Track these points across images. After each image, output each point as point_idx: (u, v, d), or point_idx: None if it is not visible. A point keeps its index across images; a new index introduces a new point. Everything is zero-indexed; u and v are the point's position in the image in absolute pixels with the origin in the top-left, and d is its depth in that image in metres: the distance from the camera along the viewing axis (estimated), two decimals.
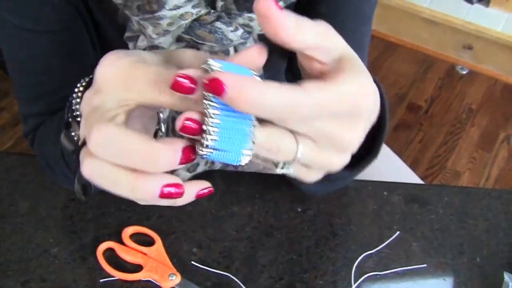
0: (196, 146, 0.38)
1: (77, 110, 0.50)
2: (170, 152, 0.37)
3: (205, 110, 0.36)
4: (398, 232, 0.76)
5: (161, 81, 0.38)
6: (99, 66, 0.40)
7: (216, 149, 0.37)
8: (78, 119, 0.50)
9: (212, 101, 0.36)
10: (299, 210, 0.79)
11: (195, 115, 0.37)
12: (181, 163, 0.37)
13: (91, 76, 0.52)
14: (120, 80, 0.39)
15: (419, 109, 2.36)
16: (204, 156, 0.37)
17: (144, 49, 0.69)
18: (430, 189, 0.83)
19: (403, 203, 0.80)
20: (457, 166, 2.11)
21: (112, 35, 0.72)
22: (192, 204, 0.77)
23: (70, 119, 0.51)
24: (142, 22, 0.63)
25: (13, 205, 0.78)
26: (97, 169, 0.38)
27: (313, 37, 0.38)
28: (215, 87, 0.34)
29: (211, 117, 0.36)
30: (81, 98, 0.51)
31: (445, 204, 0.80)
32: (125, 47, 0.70)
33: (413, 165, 2.10)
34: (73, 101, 0.51)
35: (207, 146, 0.37)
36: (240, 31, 0.67)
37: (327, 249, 0.74)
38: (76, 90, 0.51)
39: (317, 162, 0.41)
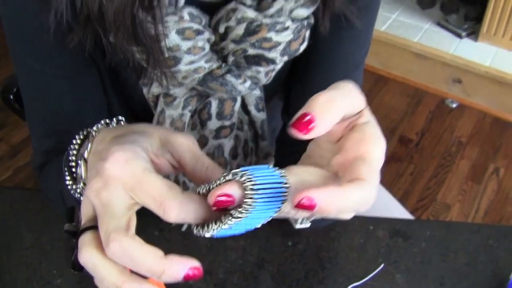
0: (223, 216, 0.41)
1: (72, 161, 0.56)
2: (176, 270, 0.41)
3: (244, 185, 0.39)
4: (382, 265, 0.81)
5: (166, 203, 0.42)
6: (109, 162, 0.44)
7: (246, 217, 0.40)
8: (73, 169, 0.56)
9: (250, 177, 0.39)
10: (290, 244, 0.83)
11: (233, 190, 0.40)
12: (185, 280, 0.42)
13: (87, 130, 0.57)
14: (129, 185, 0.43)
15: (410, 142, 2.40)
16: (231, 225, 0.40)
17: (158, 96, 0.74)
18: (413, 224, 0.88)
19: (388, 237, 0.85)
20: (447, 199, 2.15)
21: (126, 79, 0.76)
22: (187, 237, 0.81)
23: (66, 171, 0.57)
24: (157, 73, 0.68)
25: (18, 238, 0.82)
26: (94, 261, 0.44)
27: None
28: (307, 206, 0.40)
29: (251, 191, 0.39)
30: (78, 151, 0.56)
31: (427, 238, 0.85)
32: (139, 90, 0.75)
33: (404, 198, 2.14)
34: (70, 152, 0.56)
35: (238, 217, 0.39)
36: (248, 83, 0.73)
37: (316, 281, 0.78)
38: (74, 142, 0.56)
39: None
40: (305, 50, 0.74)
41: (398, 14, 2.85)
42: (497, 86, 2.53)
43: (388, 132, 2.44)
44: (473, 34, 2.71)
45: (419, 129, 2.47)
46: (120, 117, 0.58)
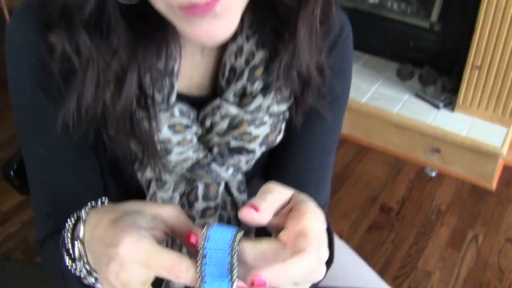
0: None
1: (68, 243, 0.64)
2: None
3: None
4: None
5: (177, 270, 0.52)
6: (122, 247, 0.53)
7: None
8: (70, 251, 0.64)
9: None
10: None
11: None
12: None
13: (77, 214, 0.65)
14: (144, 262, 0.52)
15: (390, 210, 2.47)
16: None
17: (150, 180, 0.82)
18: None
19: None
20: (428, 266, 2.20)
21: (123, 165, 0.83)
22: None
23: (64, 253, 0.64)
24: (150, 161, 0.76)
25: None
26: None
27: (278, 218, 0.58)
28: (259, 283, 0.50)
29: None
30: (72, 233, 0.64)
31: None
32: (134, 174, 0.83)
33: (386, 265, 2.18)
34: (65, 234, 0.64)
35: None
36: (231, 170, 0.81)
37: None
38: (67, 226, 0.65)
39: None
40: (281, 140, 0.82)
41: (378, 85, 2.96)
42: (474, 155, 2.61)
43: (369, 201, 2.51)
44: (450, 105, 2.80)
45: (400, 198, 2.54)
46: (103, 199, 0.66)
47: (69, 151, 0.80)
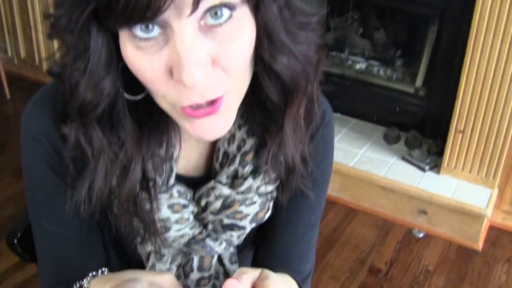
0: None
1: None
2: None
3: None
4: None
5: None
6: None
7: None
8: None
9: None
10: None
11: None
12: None
13: (80, 283, 0.72)
14: None
15: (379, 271, 2.50)
16: None
17: (150, 253, 0.90)
18: None
19: None
20: None
21: (125, 239, 0.90)
22: None
23: None
24: (151, 237, 0.84)
25: None
26: None
27: None
28: None
29: None
30: None
31: None
32: (134, 247, 0.90)
33: None
34: None
35: None
36: (224, 245, 0.89)
37: None
38: None
39: None
40: (269, 216, 0.90)
41: (366, 149, 3.05)
42: (460, 216, 2.67)
43: (358, 262, 2.55)
44: (436, 167, 2.87)
45: (388, 259, 2.58)
46: (103, 269, 0.74)
47: (77, 228, 0.87)
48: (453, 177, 2.81)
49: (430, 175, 2.86)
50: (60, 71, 0.73)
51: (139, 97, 0.73)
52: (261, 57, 0.70)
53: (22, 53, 4.14)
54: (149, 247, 0.89)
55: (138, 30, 0.63)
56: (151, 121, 0.76)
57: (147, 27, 0.62)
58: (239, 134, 0.83)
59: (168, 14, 0.60)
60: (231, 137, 0.83)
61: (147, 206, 0.79)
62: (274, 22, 0.68)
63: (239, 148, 0.84)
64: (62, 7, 0.67)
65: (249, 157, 0.84)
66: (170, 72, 0.64)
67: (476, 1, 2.45)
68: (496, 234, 2.76)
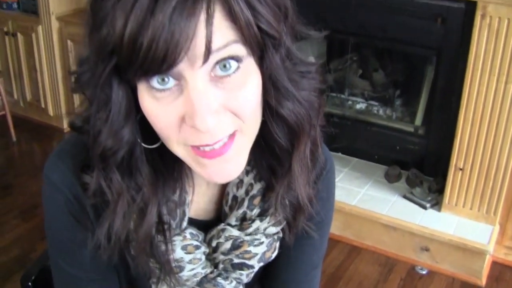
0: None
1: None
2: None
3: None
4: None
5: None
6: None
7: None
8: None
9: None
10: None
11: None
12: None
13: None
14: None
15: None
16: None
17: None
18: None
19: None
20: None
21: (142, 281, 0.95)
22: None
23: None
24: (166, 277, 0.88)
25: None
26: None
27: None
28: None
29: None
30: None
31: None
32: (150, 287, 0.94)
33: None
34: None
35: None
36: (234, 283, 0.94)
37: None
38: None
39: None
40: (276, 256, 0.96)
41: (367, 188, 3.08)
42: (462, 252, 2.69)
43: None
44: (437, 205, 2.90)
45: None
46: None
47: (96, 271, 0.92)
48: (454, 214, 2.84)
49: (431, 212, 2.89)
50: (81, 124, 0.80)
51: (154, 146, 0.79)
52: (268, 104, 0.76)
53: (28, 96, 4.22)
54: (163, 286, 0.92)
55: (155, 82, 0.69)
56: (166, 169, 0.83)
57: (163, 79, 0.69)
58: (247, 180, 0.89)
59: (182, 67, 0.67)
60: (239, 182, 0.90)
61: (163, 247, 0.85)
62: (278, 71, 0.74)
63: (247, 193, 0.90)
64: (85, 64, 0.75)
65: (257, 200, 0.90)
66: (183, 120, 0.70)
67: (471, 41, 2.52)
68: (499, 269, 2.77)
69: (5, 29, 4.05)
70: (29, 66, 4.09)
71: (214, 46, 0.66)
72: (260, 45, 0.72)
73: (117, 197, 0.79)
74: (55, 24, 3.86)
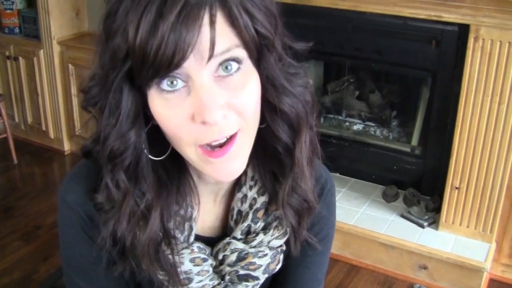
0: None
1: None
2: None
3: None
4: None
5: None
6: None
7: None
8: None
9: None
10: None
11: None
12: None
13: None
14: None
15: None
16: None
17: None
18: None
19: None
20: None
21: None
22: None
23: None
24: None
25: None
26: None
27: None
28: None
29: None
30: None
31: None
32: None
33: None
34: None
35: None
36: None
37: None
38: None
39: None
40: (281, 269, 1.01)
41: (365, 208, 3.12)
42: (460, 270, 2.72)
43: None
44: (434, 223, 2.94)
45: None
46: None
47: (107, 286, 0.97)
48: (451, 232, 2.88)
49: (429, 231, 2.92)
50: (92, 145, 0.88)
51: (161, 158, 0.86)
52: (269, 101, 0.84)
53: (29, 119, 4.27)
54: None
55: (165, 85, 0.76)
56: (170, 181, 0.89)
57: (172, 82, 0.76)
58: (251, 194, 0.95)
59: (189, 66, 0.74)
60: (243, 197, 0.96)
61: (170, 259, 0.90)
62: (274, 70, 0.83)
63: (251, 206, 0.96)
64: (94, 79, 0.83)
65: (260, 213, 0.96)
66: (193, 119, 0.77)
67: (465, 63, 2.59)
68: (496, 286, 2.81)
69: (7, 53, 4.11)
70: (30, 90, 4.14)
71: (218, 49, 0.74)
72: (257, 47, 0.80)
73: (123, 197, 0.85)
74: (56, 48, 3.92)
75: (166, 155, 0.86)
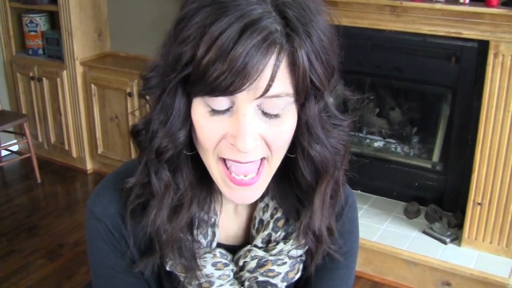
0: None
1: None
2: None
3: None
4: None
5: None
6: None
7: None
8: None
9: None
10: None
11: None
12: None
13: None
14: None
15: None
16: None
17: None
18: None
19: None
20: None
21: None
22: None
23: None
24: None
25: None
26: None
27: None
28: None
29: None
30: None
31: None
32: None
33: None
34: None
35: None
36: None
37: None
38: None
39: None
40: (306, 282, 1.05)
41: (387, 224, 3.12)
42: (483, 286, 2.71)
43: None
44: (457, 240, 2.93)
45: None
46: None
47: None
48: (474, 248, 2.87)
49: (451, 247, 2.92)
50: (142, 127, 0.91)
51: (192, 153, 0.90)
52: (301, 144, 0.87)
53: (52, 139, 4.33)
54: None
55: (212, 102, 0.80)
56: (202, 177, 0.93)
57: (218, 101, 0.80)
58: (272, 204, 0.98)
59: (241, 96, 0.78)
60: (265, 207, 0.99)
61: (193, 262, 0.93)
62: (314, 119, 0.86)
63: (272, 216, 0.98)
64: (155, 70, 0.86)
65: (281, 223, 0.98)
66: (224, 136, 0.82)
67: (485, 79, 2.60)
68: None
69: (31, 74, 4.19)
70: (53, 110, 4.21)
71: (271, 92, 0.78)
72: (306, 95, 0.83)
73: (165, 189, 0.89)
74: (79, 69, 3.99)
75: (195, 151, 0.90)
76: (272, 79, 0.77)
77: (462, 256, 2.84)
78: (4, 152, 4.29)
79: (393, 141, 3.43)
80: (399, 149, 3.40)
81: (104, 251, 0.97)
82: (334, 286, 1.08)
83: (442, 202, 3.16)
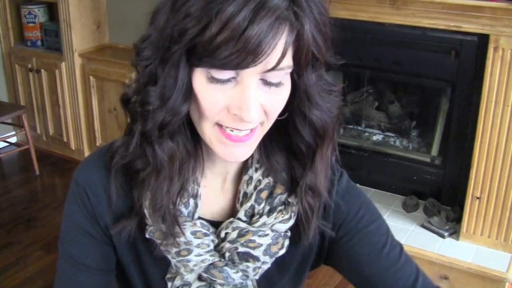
0: None
1: None
2: None
3: None
4: None
5: None
6: None
7: None
8: None
9: None
10: None
11: None
12: None
13: None
14: None
15: None
16: None
17: (179, 287, 1.02)
18: None
19: None
20: None
21: (156, 278, 1.04)
22: None
23: None
24: (177, 264, 0.98)
25: None
26: None
27: None
28: None
29: None
30: None
31: None
32: (165, 284, 1.03)
33: None
34: None
35: None
36: (240, 274, 1.00)
37: None
38: None
39: None
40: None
41: (385, 218, 3.05)
42: (481, 280, 2.72)
43: None
44: (455, 233, 2.93)
45: None
46: None
47: (98, 262, 1.03)
48: (472, 242, 2.87)
49: (449, 241, 2.92)
50: (132, 94, 0.91)
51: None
52: (301, 110, 0.91)
53: (51, 131, 4.33)
54: (177, 281, 1.01)
55: (216, 73, 0.81)
56: (193, 146, 0.95)
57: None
58: (256, 176, 0.99)
59: (248, 70, 0.79)
60: (249, 179, 1.00)
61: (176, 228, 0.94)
62: (312, 88, 0.89)
63: (255, 188, 0.99)
64: (147, 40, 0.86)
65: (264, 194, 0.98)
66: (227, 107, 0.83)
67: (484, 73, 2.59)
68: None
69: (29, 65, 4.18)
70: (52, 102, 4.21)
71: (280, 65, 0.80)
72: (306, 66, 0.86)
73: (169, 159, 0.90)
74: (77, 61, 3.99)
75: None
76: (283, 55, 0.79)
77: (460, 250, 2.84)
78: (2, 144, 4.28)
79: (392, 134, 3.43)
80: (398, 143, 3.40)
81: (77, 213, 0.99)
82: (372, 243, 1.10)
83: (441, 196, 3.15)
